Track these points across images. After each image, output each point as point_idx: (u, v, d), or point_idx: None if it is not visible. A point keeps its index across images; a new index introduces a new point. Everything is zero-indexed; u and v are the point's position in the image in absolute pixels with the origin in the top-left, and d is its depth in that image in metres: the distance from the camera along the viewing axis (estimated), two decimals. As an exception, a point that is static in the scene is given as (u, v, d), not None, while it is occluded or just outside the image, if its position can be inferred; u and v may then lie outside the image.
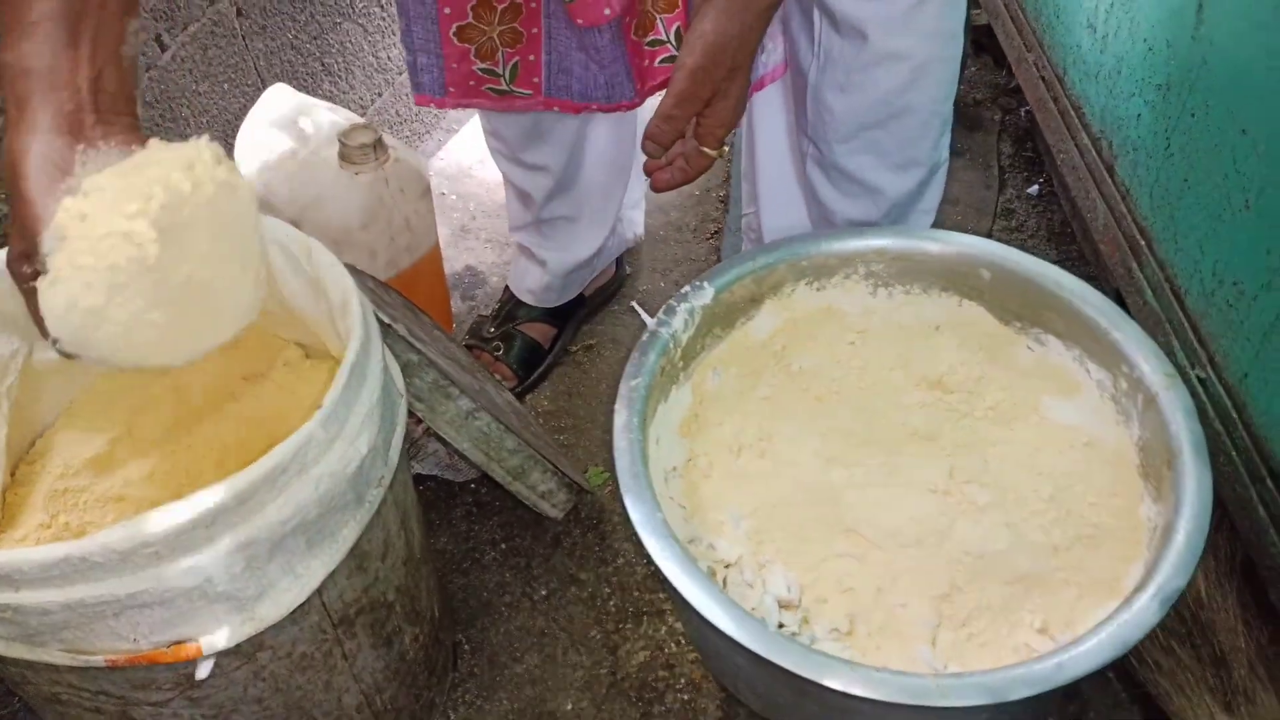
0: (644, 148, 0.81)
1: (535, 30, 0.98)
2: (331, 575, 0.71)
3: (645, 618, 1.05)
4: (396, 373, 0.82)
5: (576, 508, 1.14)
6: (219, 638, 0.67)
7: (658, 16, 0.96)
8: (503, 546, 1.11)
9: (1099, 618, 0.70)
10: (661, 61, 1.00)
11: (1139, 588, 0.70)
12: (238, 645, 0.68)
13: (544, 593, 1.07)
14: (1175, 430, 0.76)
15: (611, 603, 1.06)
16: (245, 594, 0.67)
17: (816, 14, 0.94)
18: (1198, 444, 0.75)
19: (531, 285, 1.29)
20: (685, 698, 0.98)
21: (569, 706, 0.98)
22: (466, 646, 1.03)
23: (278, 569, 0.68)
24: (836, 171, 1.04)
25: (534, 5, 0.95)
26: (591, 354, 1.34)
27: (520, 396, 1.27)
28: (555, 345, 1.32)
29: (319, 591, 0.71)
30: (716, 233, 1.52)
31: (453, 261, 1.47)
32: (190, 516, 0.61)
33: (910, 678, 0.66)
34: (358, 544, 0.73)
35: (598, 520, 1.13)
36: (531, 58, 1.00)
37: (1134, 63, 1.07)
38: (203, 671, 0.68)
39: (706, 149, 0.80)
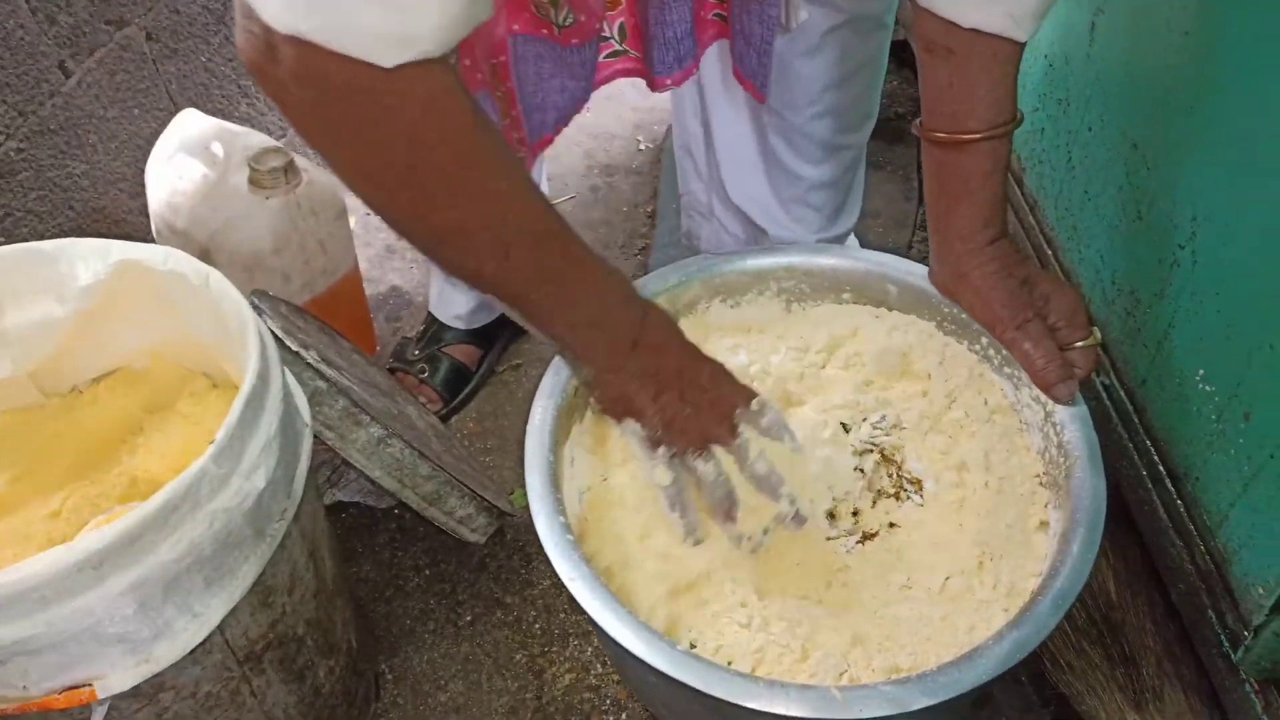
0: (1057, 394, 0.80)
1: (510, 85, 0.96)
2: (233, 612, 0.70)
3: (571, 639, 1.04)
4: (302, 402, 0.81)
5: (502, 530, 1.13)
6: (114, 681, 0.66)
7: (604, 15, 0.96)
8: (427, 572, 1.10)
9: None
10: (606, 56, 0.99)
11: (1038, 594, 0.71)
12: (136, 687, 0.67)
13: (469, 618, 1.06)
14: (1070, 439, 0.78)
15: (537, 625, 1.06)
16: (140, 635, 0.65)
17: None
18: (1093, 452, 0.77)
19: (459, 310, 1.28)
20: (611, 718, 0.98)
21: (494, 732, 0.97)
22: (389, 676, 1.02)
23: (174, 609, 0.66)
24: (801, 137, 1.05)
25: (503, 59, 0.93)
26: (519, 373, 1.34)
27: (446, 419, 1.26)
28: (482, 366, 1.31)
29: (220, 629, 0.70)
30: (644, 249, 1.53)
31: (377, 283, 1.45)
32: (75, 559, 0.60)
33: (814, 691, 0.67)
34: (260, 579, 0.72)
35: (523, 543, 1.13)
36: (514, 113, 0.97)
37: (1037, 78, 1.09)
38: (98, 716, 0.67)
39: (1082, 344, 0.80)
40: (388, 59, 0.56)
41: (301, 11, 0.54)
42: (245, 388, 0.68)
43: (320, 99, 0.59)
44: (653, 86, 1.02)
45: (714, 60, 1.06)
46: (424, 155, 0.61)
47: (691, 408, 0.74)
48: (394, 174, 0.63)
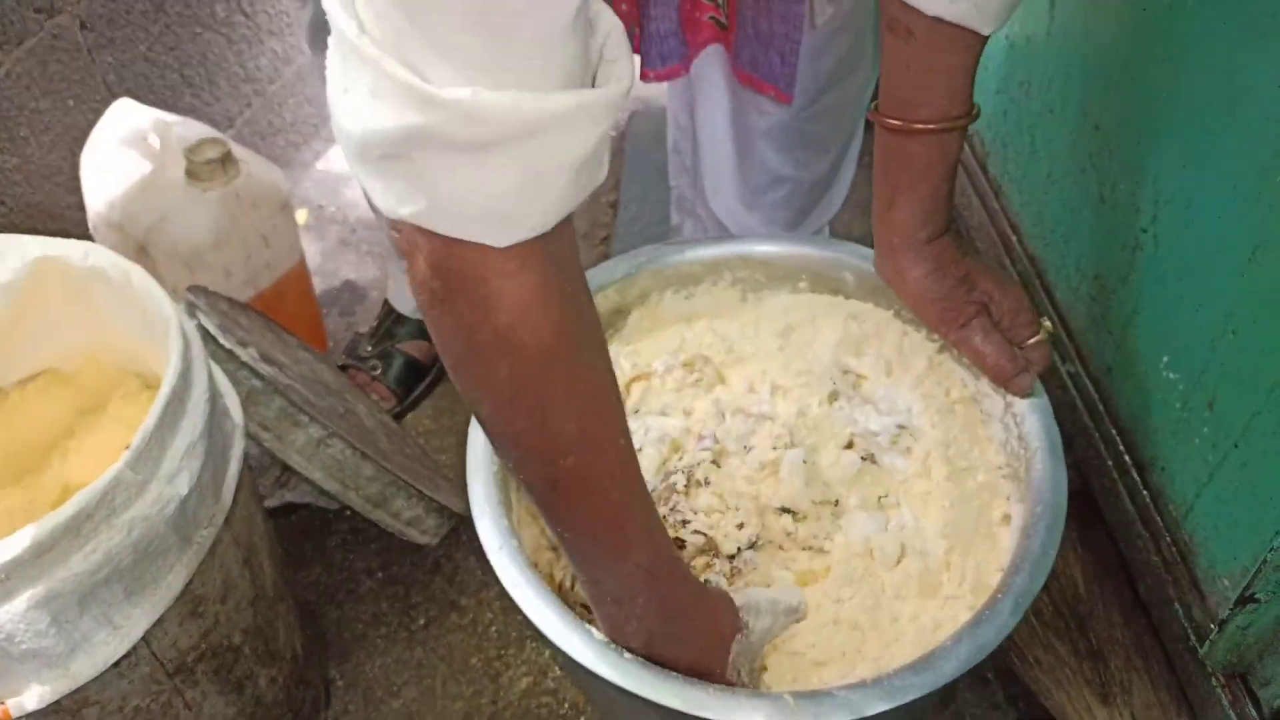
0: (1016, 387, 0.77)
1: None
2: (159, 623, 0.67)
3: (528, 642, 1.01)
4: (233, 402, 0.77)
5: (457, 530, 1.09)
6: (29, 698, 0.62)
7: None
8: (379, 575, 1.07)
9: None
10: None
11: (998, 592, 0.68)
12: (56, 703, 0.64)
13: (423, 622, 1.03)
14: (1030, 430, 0.75)
15: (493, 628, 1.03)
16: (55, 650, 0.62)
17: None
18: (1053, 445, 0.74)
19: None
20: (569, 722, 0.95)
21: (448, 739, 0.94)
22: (340, 683, 0.99)
23: (92, 621, 0.63)
24: (788, 135, 1.03)
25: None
26: (477, 369, 1.30)
27: (400, 417, 1.23)
28: (437, 361, 1.28)
29: (145, 641, 0.67)
30: (606, 239, 1.50)
31: (331, 277, 1.41)
32: (-22, 573, 0.56)
33: (767, 698, 0.64)
34: (188, 588, 0.68)
35: (479, 543, 1.09)
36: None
37: (998, 59, 1.07)
38: (13, 735, 0.63)
39: (1033, 340, 0.77)
40: (499, 239, 0.48)
41: (399, 195, 0.46)
42: (164, 389, 0.64)
43: (431, 286, 0.51)
44: (640, 76, 1.00)
45: (707, 61, 1.03)
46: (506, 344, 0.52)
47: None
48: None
